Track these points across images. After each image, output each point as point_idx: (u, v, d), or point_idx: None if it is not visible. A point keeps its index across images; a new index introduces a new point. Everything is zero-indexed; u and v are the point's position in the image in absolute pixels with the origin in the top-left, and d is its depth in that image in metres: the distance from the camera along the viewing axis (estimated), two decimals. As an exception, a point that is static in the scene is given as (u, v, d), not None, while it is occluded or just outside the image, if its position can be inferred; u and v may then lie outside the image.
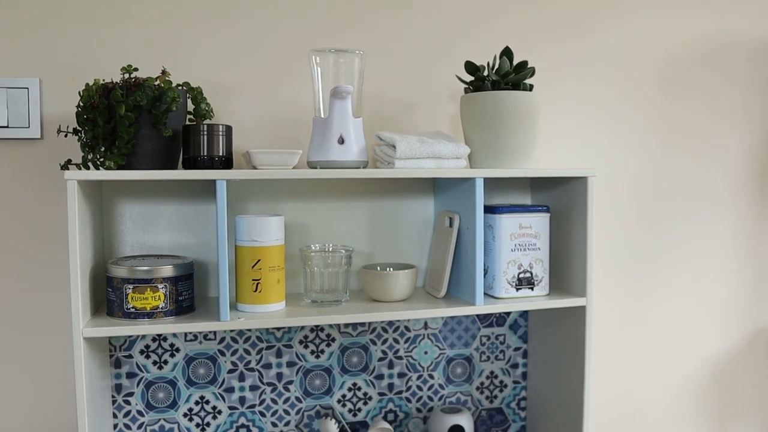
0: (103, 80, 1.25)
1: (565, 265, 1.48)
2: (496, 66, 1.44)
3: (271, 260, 1.30)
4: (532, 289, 1.43)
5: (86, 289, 1.22)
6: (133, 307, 1.23)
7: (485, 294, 1.44)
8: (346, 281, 1.39)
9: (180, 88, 1.28)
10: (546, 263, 1.44)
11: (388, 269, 1.47)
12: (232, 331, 1.50)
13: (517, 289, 1.42)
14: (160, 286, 1.24)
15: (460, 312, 1.34)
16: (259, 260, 1.29)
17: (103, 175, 1.15)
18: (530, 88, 1.44)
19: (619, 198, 1.78)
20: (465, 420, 1.53)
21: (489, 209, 1.42)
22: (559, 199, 1.51)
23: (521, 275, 1.42)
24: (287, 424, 1.55)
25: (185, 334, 1.47)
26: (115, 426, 1.46)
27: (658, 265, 1.83)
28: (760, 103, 1.89)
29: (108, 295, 1.25)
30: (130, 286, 1.23)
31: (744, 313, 1.93)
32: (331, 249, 1.39)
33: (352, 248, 1.39)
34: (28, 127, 1.39)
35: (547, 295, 1.44)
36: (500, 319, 1.66)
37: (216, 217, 1.24)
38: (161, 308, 1.24)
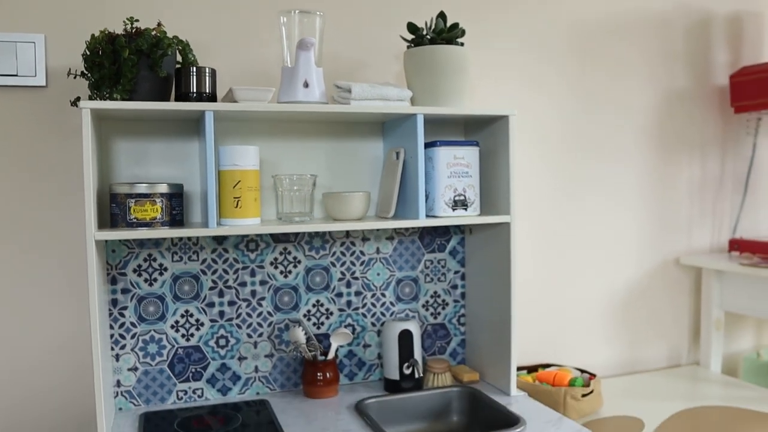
0: (107, 30, 1.57)
1: (494, 190, 1.86)
2: (433, 26, 1.81)
3: (249, 182, 1.63)
4: (465, 209, 1.79)
5: (94, 206, 1.52)
6: (135, 218, 1.55)
7: (427, 216, 1.80)
8: (311, 203, 1.73)
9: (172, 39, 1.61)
10: (477, 189, 1.81)
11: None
12: (213, 251, 1.82)
13: (454, 210, 1.78)
14: (157, 200, 1.56)
15: (407, 224, 1.69)
16: (239, 181, 1.62)
17: (111, 104, 1.47)
18: (461, 44, 1.81)
19: (540, 144, 2.17)
20: (413, 326, 1.88)
21: (429, 144, 1.79)
22: (487, 136, 1.88)
23: (456, 198, 1.78)
24: (260, 335, 1.87)
25: (172, 255, 1.79)
26: (112, 336, 1.76)
27: (574, 203, 2.23)
28: (660, 67, 2.32)
29: (112, 210, 1.56)
30: (133, 200, 1.54)
31: (651, 247, 2.35)
32: (298, 174, 1.73)
33: (316, 174, 1.74)
34: (35, 76, 1.69)
35: (478, 215, 1.81)
36: (441, 246, 2.03)
37: (205, 144, 1.56)
38: (158, 219, 1.56)
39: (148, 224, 1.55)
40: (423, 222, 1.71)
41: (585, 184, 2.24)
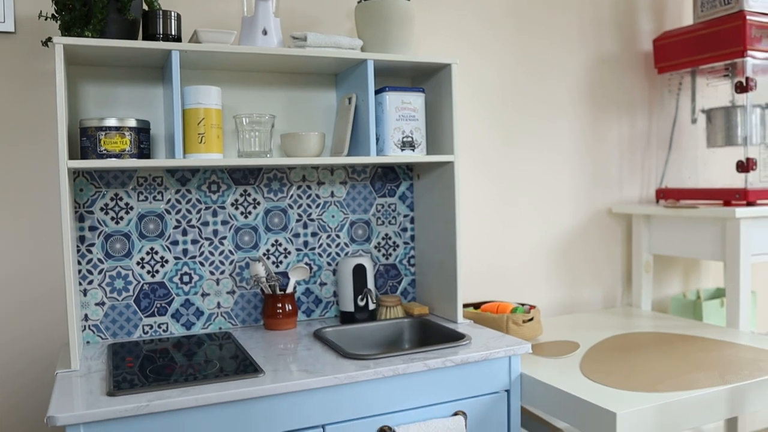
0: (77, -25, 1.71)
1: (438, 134, 2.06)
2: (381, -18, 2.00)
3: (211, 119, 1.78)
4: (413, 150, 1.99)
5: (65, 137, 1.65)
6: (105, 149, 1.69)
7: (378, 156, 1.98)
8: (270, 142, 1.90)
9: (137, -14, 1.76)
10: (423, 131, 2.00)
11: (302, 140, 1.99)
12: (177, 192, 1.96)
13: (402, 150, 1.97)
14: (126, 133, 1.70)
15: (360, 161, 1.88)
16: (203, 119, 1.77)
17: (83, 41, 1.61)
18: (407, -1, 2.02)
19: (481, 101, 2.39)
20: (366, 261, 2.06)
21: (378, 91, 1.98)
22: (432, 87, 2.08)
23: (405, 139, 1.97)
24: (222, 272, 2.02)
25: (138, 195, 1.93)
26: (80, 271, 1.89)
27: (514, 157, 2.45)
28: (591, 33, 2.57)
29: (82, 144, 1.70)
30: (103, 133, 1.69)
31: (586, 199, 2.59)
32: (258, 113, 1.90)
33: (275, 115, 1.90)
34: (3, 21, 1.82)
35: (425, 155, 2.00)
36: (391, 191, 2.21)
37: (171, 86, 1.71)
38: (127, 151, 1.71)
39: (117, 155, 1.70)
40: (374, 159, 1.89)
41: (524, 139, 2.46)
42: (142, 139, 1.74)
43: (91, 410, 1.35)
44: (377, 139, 1.98)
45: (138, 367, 1.65)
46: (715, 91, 2.47)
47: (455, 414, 1.70)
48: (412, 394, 1.65)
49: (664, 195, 2.57)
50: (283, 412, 1.51)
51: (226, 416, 1.46)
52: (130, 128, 1.71)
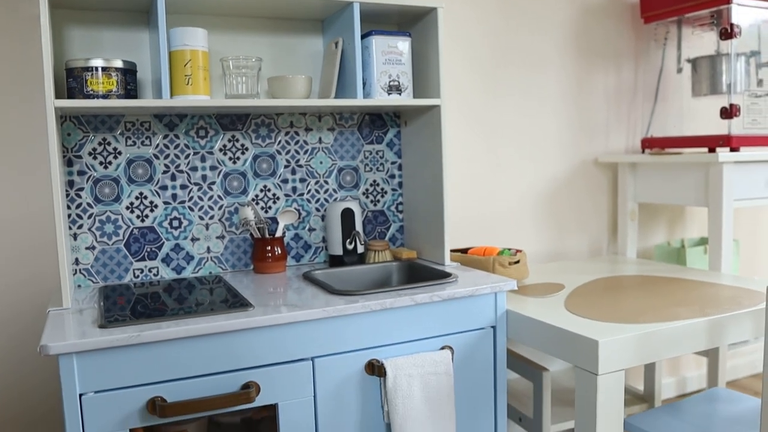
0: None
1: (425, 79, 2.07)
2: (367, -75, 2.00)
3: (198, 61, 1.79)
4: (399, 94, 2.00)
5: (51, 77, 1.65)
6: (91, 90, 1.69)
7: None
8: (257, 85, 1.91)
9: (121, -74, 1.75)
10: (409, 75, 2.01)
11: (289, 85, 2.00)
12: (165, 137, 1.97)
13: (389, 94, 1.98)
14: (113, 73, 1.71)
15: (347, 103, 1.89)
16: (189, 60, 1.78)
17: (68, -20, 1.61)
18: (393, -58, 2.01)
19: (468, 53, 2.40)
20: (355, 206, 2.08)
21: (365, 35, 1.99)
22: (419, 32, 2.09)
23: (391, 83, 1.99)
24: (212, 218, 2.04)
25: (126, 140, 1.93)
26: (69, 216, 1.90)
27: (502, 106, 2.47)
28: (576, -17, 2.59)
29: (69, 84, 1.70)
30: (89, 73, 1.69)
31: (572, 148, 2.61)
32: (244, 56, 1.90)
33: (261, 58, 1.91)
34: (-13, -35, 1.81)
35: (411, 99, 2.02)
36: (379, 138, 2.23)
37: (156, 28, 1.72)
38: (114, 92, 1.71)
39: (104, 96, 1.70)
40: (361, 102, 1.90)
41: (511, 90, 2.48)
42: (129, 81, 1.74)
43: (83, 340, 1.38)
44: (364, 84, 1.99)
45: (130, 307, 1.67)
46: (701, 41, 2.48)
47: (442, 348, 1.73)
48: (399, 329, 1.68)
49: (650, 144, 2.60)
50: (272, 344, 1.54)
51: (217, 348, 1.49)
52: (117, 69, 1.71)
